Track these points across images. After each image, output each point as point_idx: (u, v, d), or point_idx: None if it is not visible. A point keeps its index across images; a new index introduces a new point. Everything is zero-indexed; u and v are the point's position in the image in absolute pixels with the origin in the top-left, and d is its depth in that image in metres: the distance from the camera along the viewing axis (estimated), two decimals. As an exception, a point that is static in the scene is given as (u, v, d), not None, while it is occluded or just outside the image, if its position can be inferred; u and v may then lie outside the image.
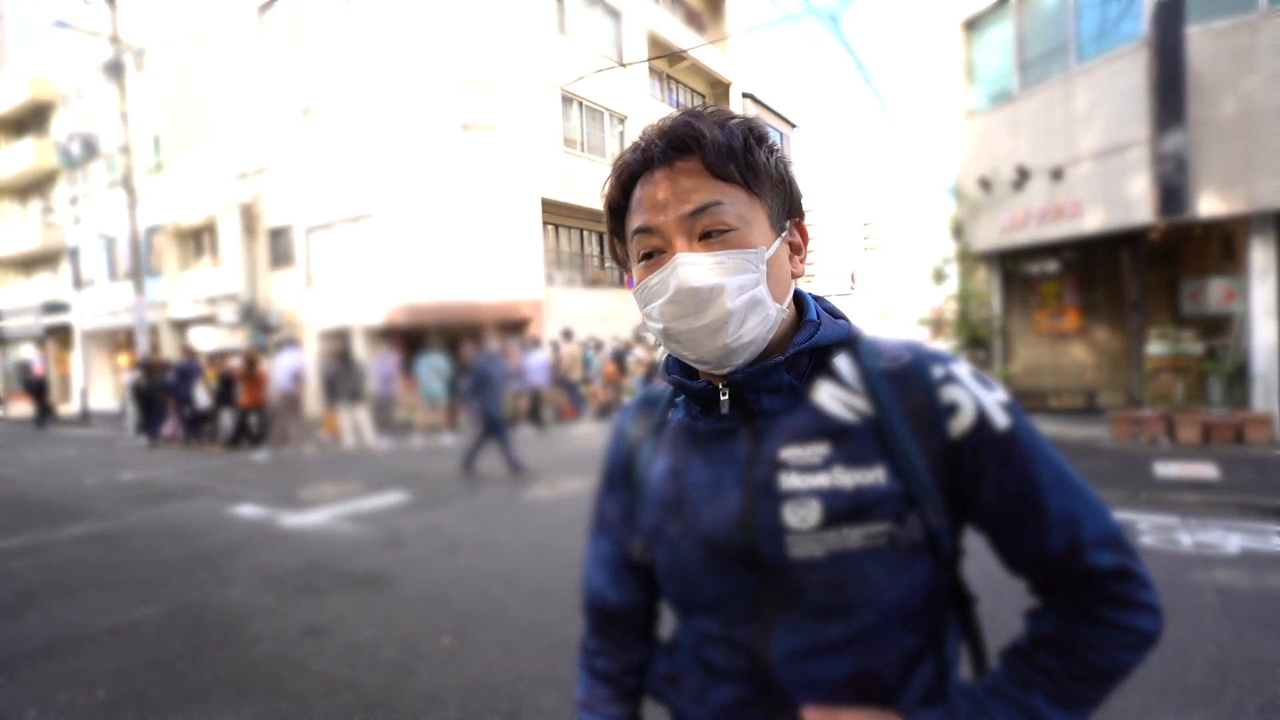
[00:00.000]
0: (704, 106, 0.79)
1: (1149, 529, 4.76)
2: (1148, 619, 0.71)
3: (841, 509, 0.71)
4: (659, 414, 0.90)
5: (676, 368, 0.87)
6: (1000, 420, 0.73)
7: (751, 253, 0.75)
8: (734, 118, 0.78)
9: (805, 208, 0.85)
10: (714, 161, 0.74)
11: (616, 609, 0.95)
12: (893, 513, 0.71)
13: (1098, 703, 0.72)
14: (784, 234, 0.80)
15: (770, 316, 0.77)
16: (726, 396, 0.79)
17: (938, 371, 0.76)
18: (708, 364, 0.78)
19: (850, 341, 0.81)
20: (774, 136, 0.81)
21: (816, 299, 0.86)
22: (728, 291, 0.73)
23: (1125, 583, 0.71)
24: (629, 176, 0.79)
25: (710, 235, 0.75)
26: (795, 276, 0.82)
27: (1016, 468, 0.72)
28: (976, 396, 0.74)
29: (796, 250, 0.82)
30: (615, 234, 0.84)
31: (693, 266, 0.73)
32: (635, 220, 0.78)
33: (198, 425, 12.11)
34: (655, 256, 0.77)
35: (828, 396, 0.78)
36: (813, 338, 0.79)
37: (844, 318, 0.85)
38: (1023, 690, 0.72)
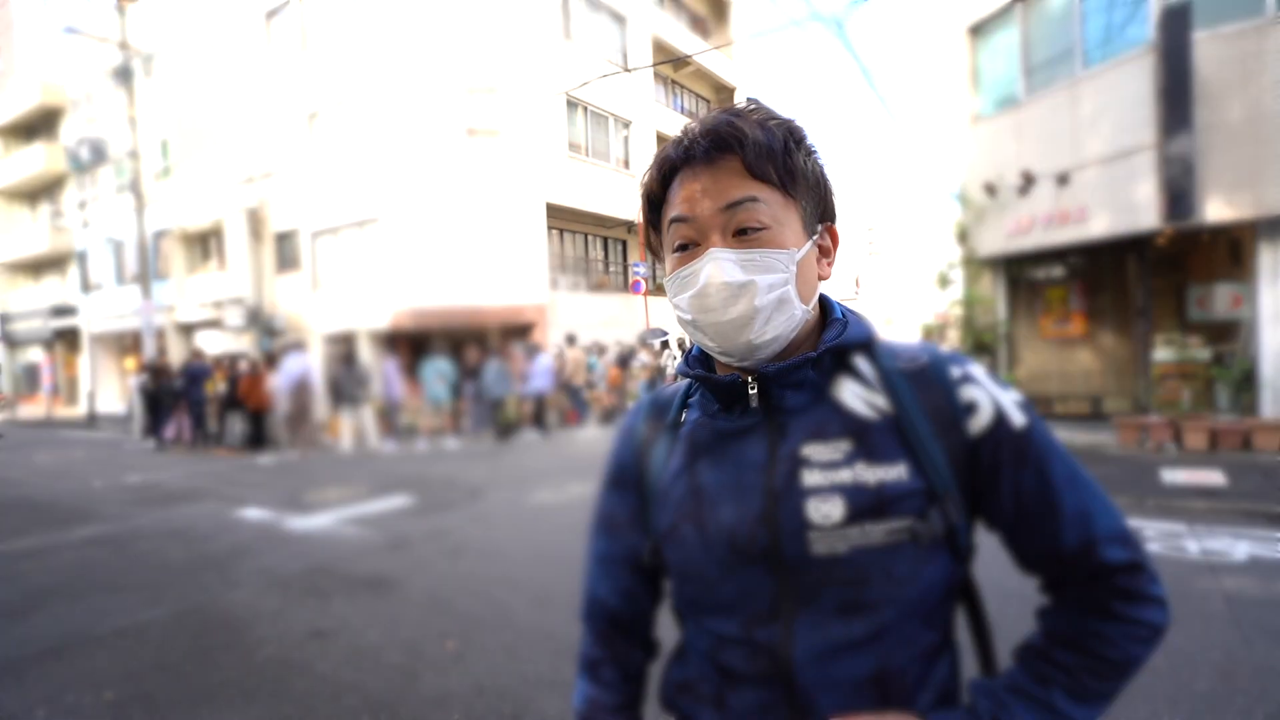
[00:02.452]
0: (747, 105, 0.81)
1: (1156, 536, 4.73)
2: (1158, 612, 0.73)
3: (865, 505, 0.72)
4: (672, 414, 0.89)
5: (698, 364, 0.87)
6: (1017, 419, 0.75)
7: (782, 254, 0.76)
8: (775, 119, 0.79)
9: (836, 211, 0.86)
10: (753, 162, 0.76)
11: (621, 615, 0.93)
12: (915, 509, 0.72)
13: (1112, 697, 0.73)
14: (815, 237, 0.81)
15: (796, 316, 0.78)
16: (755, 390, 0.79)
17: (955, 372, 0.78)
18: (731, 357, 0.79)
19: (868, 343, 0.82)
20: (811, 140, 0.82)
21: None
22: (757, 289, 0.75)
23: (1136, 577, 0.73)
24: (670, 169, 0.80)
25: (745, 233, 0.76)
26: (822, 279, 0.83)
27: (1033, 465, 0.74)
28: (994, 396, 0.76)
29: (825, 253, 0.83)
30: (651, 224, 0.86)
31: (724, 262, 0.75)
32: (673, 210, 0.80)
33: (205, 427, 12.17)
34: (690, 249, 0.79)
35: (849, 394, 0.79)
36: (841, 335, 0.80)
37: (865, 320, 0.86)
38: (1041, 687, 0.73)
